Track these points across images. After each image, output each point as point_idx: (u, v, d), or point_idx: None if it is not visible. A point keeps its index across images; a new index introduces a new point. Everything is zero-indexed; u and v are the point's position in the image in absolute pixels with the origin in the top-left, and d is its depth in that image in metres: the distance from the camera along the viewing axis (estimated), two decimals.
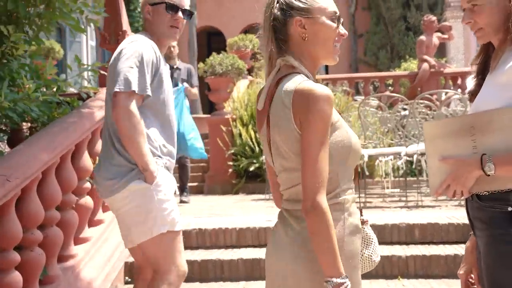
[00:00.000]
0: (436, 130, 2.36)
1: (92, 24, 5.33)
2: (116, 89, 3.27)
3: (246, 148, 10.97)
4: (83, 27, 5.27)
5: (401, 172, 9.05)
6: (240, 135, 11.01)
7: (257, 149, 10.72)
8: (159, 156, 3.47)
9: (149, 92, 3.40)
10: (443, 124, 2.52)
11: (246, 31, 21.66)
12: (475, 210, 2.34)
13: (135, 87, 3.30)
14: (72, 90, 6.71)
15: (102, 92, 5.59)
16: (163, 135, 3.52)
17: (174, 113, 3.68)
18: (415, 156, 7.91)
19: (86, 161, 4.94)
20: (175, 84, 7.88)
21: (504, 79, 2.25)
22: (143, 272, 3.66)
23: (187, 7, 3.70)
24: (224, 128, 10.94)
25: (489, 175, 2.21)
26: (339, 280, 2.02)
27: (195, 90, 9.25)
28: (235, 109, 11.45)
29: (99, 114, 5.09)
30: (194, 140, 8.00)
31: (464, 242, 2.75)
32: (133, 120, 3.27)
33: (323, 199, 2.06)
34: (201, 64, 11.65)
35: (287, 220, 2.22)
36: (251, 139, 10.94)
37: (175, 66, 8.86)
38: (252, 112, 11.33)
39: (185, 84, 8.59)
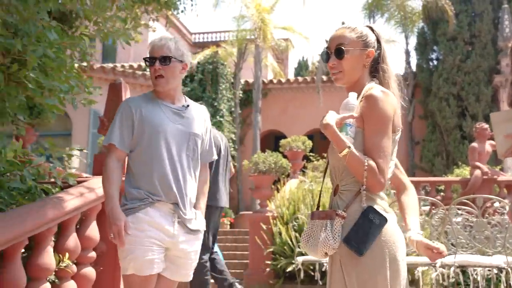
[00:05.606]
0: (499, 118, 3.15)
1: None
2: None
3: (285, 247, 9.78)
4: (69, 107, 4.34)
5: (433, 285, 6.94)
6: (280, 233, 9.87)
7: (296, 249, 9.49)
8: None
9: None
10: (505, 113, 3.17)
11: (310, 135, 20.96)
12: None
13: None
14: None
15: (88, 180, 4.62)
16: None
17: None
18: (452, 269, 6.17)
19: (47, 258, 3.84)
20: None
21: None
22: None
23: (162, 53, 3.34)
24: (264, 226, 9.83)
25: None
26: None
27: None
28: (277, 207, 10.36)
29: (72, 203, 4.10)
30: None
31: None
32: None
33: None
34: (245, 162, 10.73)
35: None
36: (290, 238, 9.75)
37: None
38: (294, 211, 10.20)
39: None
